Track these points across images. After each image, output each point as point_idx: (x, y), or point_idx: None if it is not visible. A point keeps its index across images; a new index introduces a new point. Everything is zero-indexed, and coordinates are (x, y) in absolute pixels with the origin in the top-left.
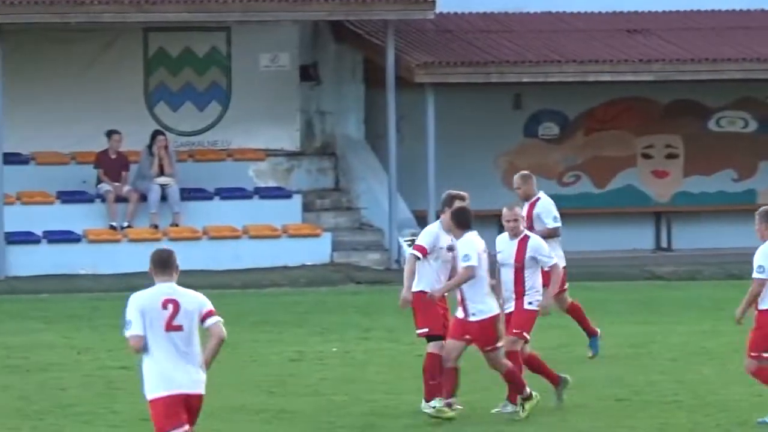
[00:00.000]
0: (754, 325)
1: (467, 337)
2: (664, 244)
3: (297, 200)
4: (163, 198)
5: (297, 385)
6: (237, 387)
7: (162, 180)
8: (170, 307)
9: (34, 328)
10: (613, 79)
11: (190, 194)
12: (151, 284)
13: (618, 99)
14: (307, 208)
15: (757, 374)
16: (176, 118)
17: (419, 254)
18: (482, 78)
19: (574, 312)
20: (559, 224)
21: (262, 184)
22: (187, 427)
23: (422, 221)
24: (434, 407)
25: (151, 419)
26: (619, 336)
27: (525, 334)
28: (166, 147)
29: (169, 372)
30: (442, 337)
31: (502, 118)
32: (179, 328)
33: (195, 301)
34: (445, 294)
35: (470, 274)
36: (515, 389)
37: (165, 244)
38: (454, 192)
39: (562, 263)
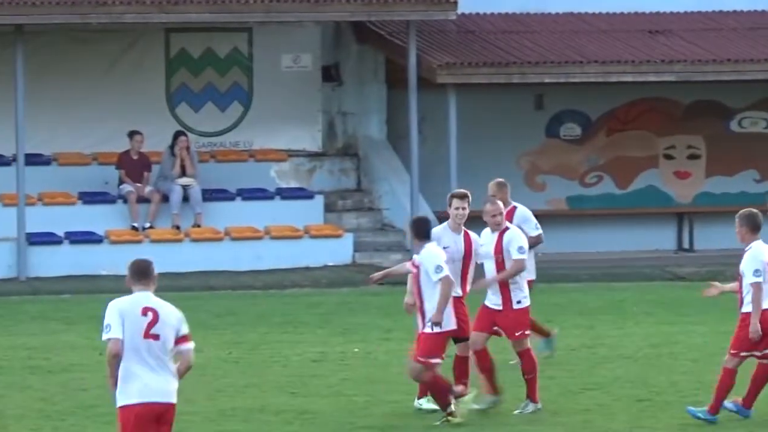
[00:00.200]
0: (739, 325)
1: (495, 327)
2: (686, 245)
3: (319, 201)
4: (185, 199)
5: (319, 386)
6: (259, 387)
7: (184, 181)
8: (150, 315)
9: (56, 328)
10: (635, 80)
11: (211, 195)
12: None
13: (640, 99)
14: (328, 208)
15: (722, 372)
16: (198, 119)
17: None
18: (504, 78)
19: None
20: (540, 231)
21: (284, 185)
22: None
23: (444, 222)
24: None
25: (119, 425)
26: (641, 336)
27: (527, 332)
28: (187, 148)
29: (142, 381)
30: (466, 338)
31: (523, 119)
32: (156, 337)
33: (174, 315)
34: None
35: (450, 283)
36: (440, 401)
37: (187, 245)
38: (456, 191)
39: (531, 276)
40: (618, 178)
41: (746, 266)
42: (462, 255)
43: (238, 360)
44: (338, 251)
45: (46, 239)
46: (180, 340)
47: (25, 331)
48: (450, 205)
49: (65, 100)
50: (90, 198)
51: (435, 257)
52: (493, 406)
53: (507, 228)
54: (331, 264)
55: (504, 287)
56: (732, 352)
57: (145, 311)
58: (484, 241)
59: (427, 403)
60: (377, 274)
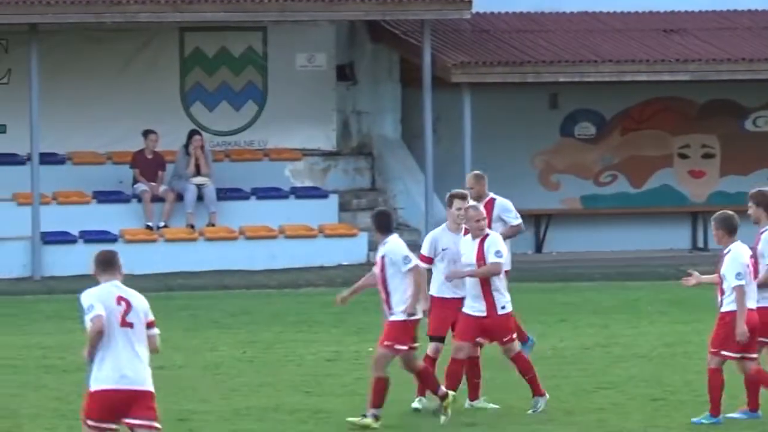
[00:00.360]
0: (717, 324)
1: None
2: (700, 244)
3: (333, 200)
4: (200, 198)
5: (333, 385)
6: (273, 387)
7: (198, 180)
8: (123, 304)
9: (71, 328)
10: (649, 79)
11: (226, 194)
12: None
13: (654, 99)
14: (343, 207)
15: (709, 373)
16: (212, 118)
17: (425, 264)
18: (518, 78)
19: None
20: (520, 221)
21: (299, 184)
22: (113, 427)
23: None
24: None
25: (84, 404)
26: (655, 336)
27: (514, 336)
28: (202, 147)
29: (117, 367)
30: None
31: (538, 118)
32: (131, 325)
33: (142, 302)
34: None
35: (422, 271)
36: (428, 387)
37: (201, 244)
38: (455, 191)
39: (507, 267)
40: (632, 178)
41: (728, 270)
42: (462, 256)
43: (252, 359)
44: (353, 250)
45: (61, 238)
46: (147, 325)
47: (40, 330)
48: (450, 206)
49: (80, 100)
50: (104, 197)
51: (401, 248)
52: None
53: (488, 234)
54: (345, 263)
55: (487, 293)
56: (712, 350)
57: (119, 300)
58: (465, 249)
59: (417, 403)
60: (344, 294)
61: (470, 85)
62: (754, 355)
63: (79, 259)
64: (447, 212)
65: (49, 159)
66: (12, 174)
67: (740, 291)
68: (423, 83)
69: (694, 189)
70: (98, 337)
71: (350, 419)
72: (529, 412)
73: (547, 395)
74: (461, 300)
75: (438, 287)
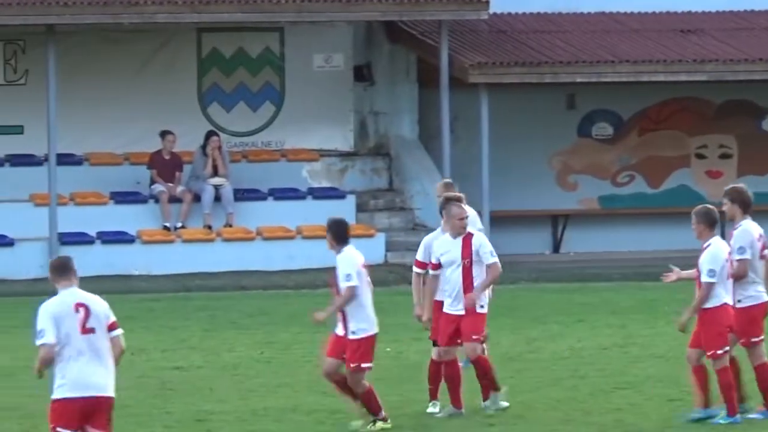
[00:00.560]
0: (698, 325)
1: (344, 356)
2: None
3: (351, 201)
4: (217, 198)
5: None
6: (291, 387)
7: (215, 180)
8: (81, 310)
9: None
10: (666, 79)
11: (243, 195)
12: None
13: (672, 99)
14: (360, 208)
15: (718, 374)
16: (230, 119)
17: (418, 269)
18: (536, 78)
19: None
20: (482, 227)
21: (316, 185)
22: None
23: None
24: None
25: (49, 414)
26: (673, 336)
27: (482, 339)
28: (219, 147)
29: (81, 375)
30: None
31: (555, 118)
32: (92, 330)
33: (102, 305)
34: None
35: (352, 294)
36: (370, 410)
37: (219, 245)
38: (450, 194)
39: None
40: (650, 178)
41: (703, 264)
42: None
43: (270, 360)
44: (370, 251)
45: (78, 239)
46: (109, 327)
47: None
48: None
49: (97, 100)
50: (122, 198)
51: (348, 264)
52: (453, 416)
53: (471, 233)
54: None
55: (468, 291)
56: (709, 354)
57: (77, 307)
58: (446, 248)
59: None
60: (321, 315)
61: (487, 86)
62: (761, 338)
63: (97, 260)
64: (442, 216)
65: (66, 160)
66: (29, 175)
67: (707, 288)
68: (440, 84)
69: (711, 189)
70: (44, 366)
71: (358, 427)
72: (485, 406)
73: (489, 403)
74: None
75: (440, 291)
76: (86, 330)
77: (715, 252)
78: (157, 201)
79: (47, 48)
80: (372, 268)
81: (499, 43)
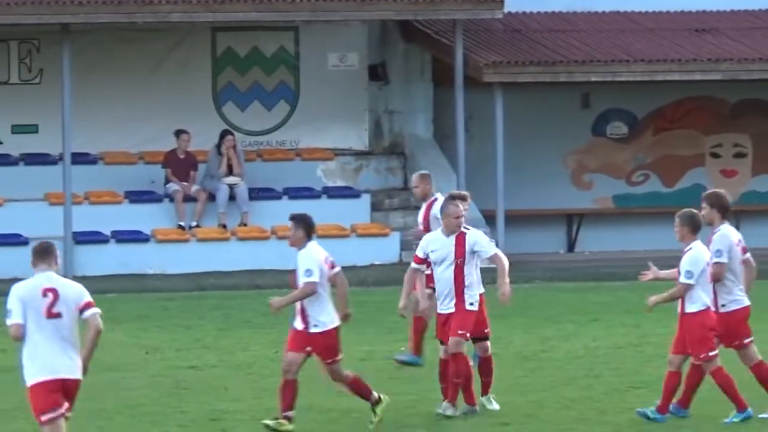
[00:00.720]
0: (680, 330)
1: (308, 349)
2: None
3: (365, 200)
4: (232, 198)
5: None
6: (305, 386)
7: (230, 180)
8: (50, 295)
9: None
10: (681, 79)
11: (258, 194)
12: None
13: (686, 98)
14: (375, 207)
15: (714, 376)
16: (244, 118)
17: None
18: (551, 77)
19: (418, 325)
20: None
21: (331, 184)
22: (64, 408)
23: (491, 221)
24: (269, 423)
25: (30, 403)
26: None
27: (468, 336)
28: (234, 146)
29: (48, 358)
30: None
31: (570, 118)
32: (58, 315)
33: (74, 290)
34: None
35: (311, 290)
36: (363, 397)
37: (233, 244)
38: (455, 192)
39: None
40: (664, 177)
41: (683, 265)
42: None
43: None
44: (385, 250)
45: (93, 238)
46: (83, 307)
47: None
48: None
49: (112, 100)
50: (136, 197)
51: (310, 261)
52: (470, 415)
53: (464, 231)
54: (377, 263)
55: (459, 289)
56: (700, 358)
57: (45, 292)
58: (437, 244)
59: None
60: (277, 302)
61: (502, 85)
62: (751, 338)
63: (111, 259)
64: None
65: (81, 159)
66: (44, 174)
67: (682, 288)
68: (455, 83)
69: (726, 188)
70: (17, 343)
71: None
72: (438, 411)
73: (458, 411)
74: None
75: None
76: (52, 314)
77: (696, 255)
78: (171, 200)
79: (62, 47)
80: (386, 268)
81: (513, 42)
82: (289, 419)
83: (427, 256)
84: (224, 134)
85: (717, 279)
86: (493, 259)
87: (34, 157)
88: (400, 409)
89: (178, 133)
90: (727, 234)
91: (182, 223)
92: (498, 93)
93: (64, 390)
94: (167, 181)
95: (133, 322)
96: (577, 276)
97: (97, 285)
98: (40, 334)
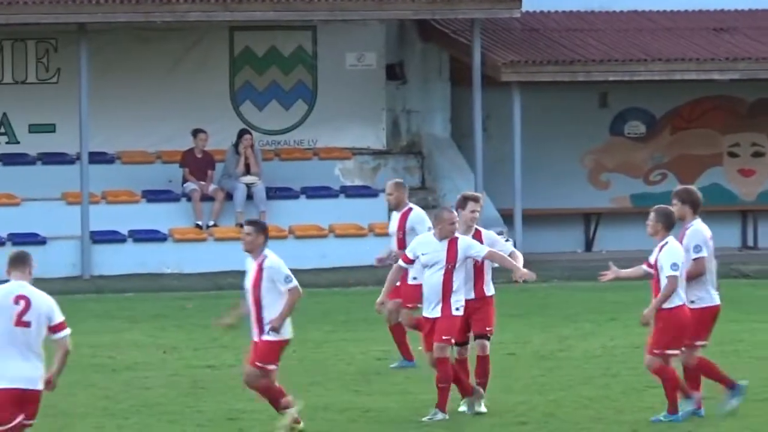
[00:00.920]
0: (656, 324)
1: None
2: (750, 243)
3: (383, 199)
4: (249, 197)
5: (383, 384)
6: (323, 386)
7: (248, 179)
8: (22, 303)
9: (120, 327)
10: (699, 78)
11: (275, 193)
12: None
13: (704, 97)
14: None
15: (659, 372)
16: (262, 117)
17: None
18: (568, 76)
19: (397, 331)
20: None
21: (348, 183)
22: (18, 419)
23: (508, 220)
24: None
25: None
26: None
27: (453, 341)
28: (252, 146)
29: (12, 367)
30: (461, 343)
31: (588, 117)
32: (27, 324)
33: (46, 303)
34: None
35: (299, 294)
36: (273, 404)
37: None
38: (468, 193)
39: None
40: (682, 176)
41: (665, 260)
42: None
43: (302, 358)
44: None
45: (110, 237)
46: (54, 328)
47: (89, 330)
48: (463, 208)
49: (129, 99)
50: (154, 196)
51: (284, 266)
52: (477, 404)
53: (457, 237)
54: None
55: (447, 294)
56: (655, 352)
57: (17, 299)
58: (428, 248)
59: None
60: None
61: (520, 84)
62: (704, 342)
63: (129, 258)
64: (458, 214)
65: (98, 158)
66: (61, 173)
67: (673, 281)
68: (473, 82)
69: (743, 188)
70: None
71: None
72: (425, 419)
73: (448, 416)
74: (473, 301)
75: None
76: (21, 323)
77: (677, 249)
78: (189, 199)
79: (79, 46)
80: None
81: (531, 41)
82: (294, 418)
83: (417, 258)
84: (242, 133)
85: (700, 274)
86: (490, 256)
87: (51, 156)
88: (419, 409)
89: (196, 132)
90: (701, 229)
91: (200, 223)
92: (516, 92)
93: (21, 399)
94: (185, 180)
95: (151, 322)
96: (595, 275)
97: (114, 284)
98: (6, 341)
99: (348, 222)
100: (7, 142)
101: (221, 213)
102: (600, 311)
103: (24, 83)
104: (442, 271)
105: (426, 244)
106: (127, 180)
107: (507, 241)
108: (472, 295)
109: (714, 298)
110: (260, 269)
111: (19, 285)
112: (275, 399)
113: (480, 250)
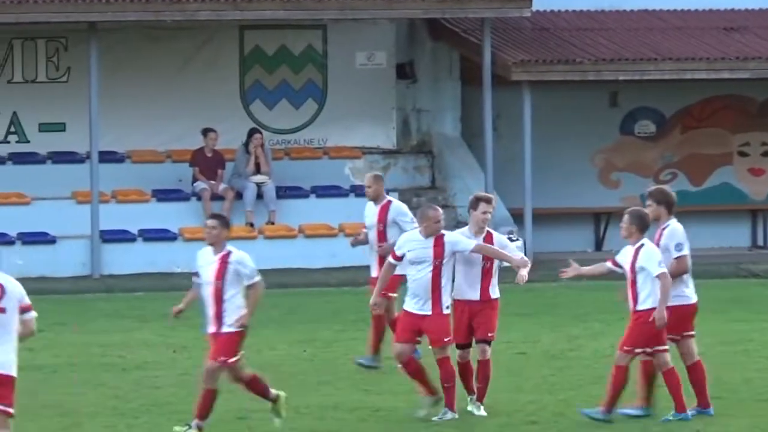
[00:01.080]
0: (630, 322)
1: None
2: (760, 242)
3: (393, 198)
4: (259, 196)
5: (393, 383)
6: (332, 385)
7: (258, 178)
8: None
9: (130, 326)
10: (709, 77)
11: (286, 192)
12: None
13: (714, 97)
14: None
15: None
16: (272, 116)
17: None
18: (579, 76)
19: (378, 323)
20: (416, 224)
21: (359, 182)
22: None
23: (519, 219)
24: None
25: None
26: (715, 334)
27: (451, 339)
28: (262, 145)
29: None
30: (463, 346)
31: (598, 116)
32: (3, 310)
33: (17, 288)
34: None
35: (263, 288)
36: (200, 410)
37: (261, 243)
38: (480, 194)
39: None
40: (692, 176)
41: (649, 261)
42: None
43: (312, 357)
44: None
45: (120, 237)
46: (25, 308)
47: (99, 329)
48: (475, 209)
49: (139, 98)
50: (164, 195)
51: (250, 260)
52: (435, 405)
53: (443, 233)
54: None
55: (436, 291)
56: (626, 348)
57: None
58: (414, 245)
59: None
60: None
61: (530, 83)
62: (667, 347)
63: (139, 257)
64: (470, 215)
65: (108, 157)
66: (71, 172)
67: (665, 278)
68: (483, 81)
69: (754, 187)
70: None
71: (176, 428)
72: (435, 419)
73: (457, 415)
74: (477, 302)
75: (456, 289)
76: None
77: (653, 249)
78: (199, 198)
79: (89, 45)
80: None
81: (542, 40)
82: (200, 429)
83: (404, 255)
84: (252, 132)
85: (684, 272)
86: (479, 249)
87: (61, 155)
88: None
89: (206, 131)
90: (678, 228)
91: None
92: (526, 91)
93: None
94: (195, 179)
95: (161, 321)
96: (605, 275)
97: (124, 283)
98: None
99: (358, 221)
100: (17, 141)
101: (231, 212)
102: (610, 311)
103: (34, 82)
104: (430, 268)
105: (411, 241)
106: (137, 179)
107: (516, 240)
108: (476, 297)
109: (691, 297)
110: (224, 263)
111: None
112: (260, 390)
113: (467, 245)
